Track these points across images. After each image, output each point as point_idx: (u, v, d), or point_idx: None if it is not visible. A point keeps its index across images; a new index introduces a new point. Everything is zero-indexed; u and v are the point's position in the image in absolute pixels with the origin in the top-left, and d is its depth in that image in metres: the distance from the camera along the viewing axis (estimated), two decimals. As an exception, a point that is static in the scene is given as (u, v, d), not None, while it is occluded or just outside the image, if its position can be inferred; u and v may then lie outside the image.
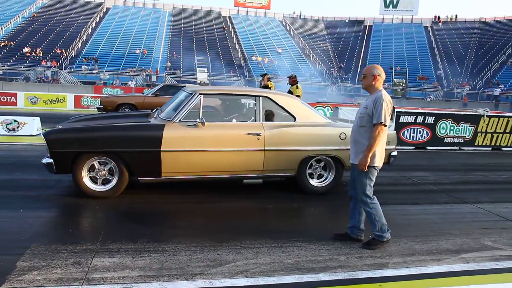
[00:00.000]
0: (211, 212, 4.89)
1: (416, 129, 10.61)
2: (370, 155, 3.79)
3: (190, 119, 5.12)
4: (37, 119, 10.41)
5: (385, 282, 3.30)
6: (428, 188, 6.59)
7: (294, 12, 58.38)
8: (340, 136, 5.60)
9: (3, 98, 20.08)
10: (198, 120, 5.07)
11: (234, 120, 5.60)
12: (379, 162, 3.91)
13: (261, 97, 5.50)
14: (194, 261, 3.48)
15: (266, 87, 10.53)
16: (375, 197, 3.98)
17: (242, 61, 41.77)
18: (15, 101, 20.19)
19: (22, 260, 3.32)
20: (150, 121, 5.35)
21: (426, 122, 10.63)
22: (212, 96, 5.87)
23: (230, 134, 5.23)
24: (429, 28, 51.86)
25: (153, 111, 6.08)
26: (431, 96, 36.06)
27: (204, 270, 3.32)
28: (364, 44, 49.48)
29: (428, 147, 10.92)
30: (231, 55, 42.35)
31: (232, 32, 48.68)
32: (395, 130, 10.34)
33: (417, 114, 10.73)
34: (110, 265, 3.33)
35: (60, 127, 5.39)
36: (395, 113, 10.36)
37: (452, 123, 10.82)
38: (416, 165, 8.81)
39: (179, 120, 5.10)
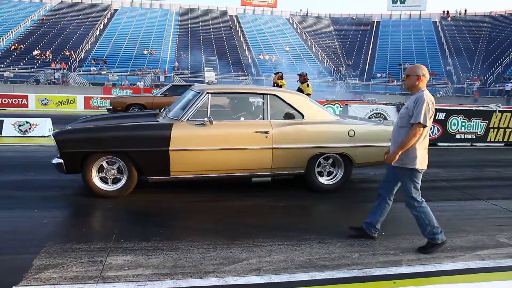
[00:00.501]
0: (223, 211, 4.90)
1: (427, 126, 10.49)
2: (400, 152, 3.71)
3: (198, 118, 5.13)
4: (49, 120, 10.51)
5: (400, 280, 3.28)
6: (441, 184, 6.54)
7: (300, 10, 58.29)
8: (348, 133, 5.57)
9: (15, 100, 20.36)
10: (206, 119, 5.08)
11: (242, 119, 5.60)
12: (420, 164, 3.79)
13: (269, 95, 5.49)
14: (207, 259, 3.49)
15: (278, 86, 10.55)
16: (424, 200, 3.88)
17: (250, 60, 41.76)
18: (26, 103, 20.43)
19: (38, 258, 3.36)
20: (158, 121, 5.37)
21: (437, 118, 10.52)
22: (220, 95, 5.86)
23: (238, 133, 5.23)
24: (437, 23, 51.37)
25: (161, 111, 6.10)
26: (441, 92, 35.77)
27: (217, 268, 3.33)
28: (372, 40, 49.18)
29: (439, 144, 10.83)
30: (238, 54, 42.34)
31: (239, 31, 48.69)
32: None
33: (427, 111, 10.58)
34: (124, 263, 3.35)
35: (69, 127, 5.44)
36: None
37: (463, 119, 10.73)
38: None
39: (187, 119, 5.11)
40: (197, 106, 5.18)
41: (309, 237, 4.07)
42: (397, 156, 3.74)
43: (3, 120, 10.26)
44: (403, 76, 4.34)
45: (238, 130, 5.27)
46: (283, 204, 5.23)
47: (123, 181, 5.05)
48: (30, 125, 10.12)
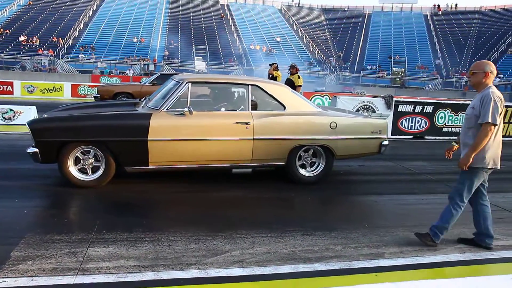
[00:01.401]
0: (207, 202, 4.87)
1: (414, 119, 10.58)
2: (472, 155, 3.54)
3: (177, 108, 5.05)
4: (33, 108, 10.33)
5: (381, 272, 3.28)
6: (426, 178, 6.57)
7: (292, 1, 57.89)
8: (330, 125, 5.54)
9: (-1, 87, 19.99)
10: (185, 109, 5.00)
11: (222, 109, 5.53)
12: (490, 163, 3.61)
13: (250, 86, 5.43)
14: (189, 251, 3.46)
15: (273, 77, 10.52)
16: (466, 203, 3.77)
17: (240, 50, 41.52)
18: (11, 90, 20.06)
19: (16, 250, 3.30)
20: (137, 110, 5.29)
21: (424, 111, 10.59)
22: (200, 85, 5.81)
23: (218, 123, 5.18)
24: (428, 17, 51.54)
25: (142, 100, 6.01)
26: (430, 86, 35.99)
27: (199, 260, 3.31)
28: (363, 32, 49.19)
29: (427, 137, 10.89)
30: (229, 44, 42.03)
31: (230, 21, 48.31)
32: (393, 119, 10.37)
33: (415, 104, 10.67)
34: (105, 254, 3.31)
35: (45, 116, 5.34)
36: (393, 102, 10.31)
37: (450, 113, 10.79)
38: (414, 154, 8.81)
39: (167, 109, 5.03)
40: (177, 96, 5.10)
41: (293, 229, 4.06)
42: (471, 159, 3.56)
43: (-14, 107, 10.06)
44: (467, 73, 4.14)
45: (218, 120, 5.22)
46: (268, 195, 5.21)
47: (100, 171, 4.96)
48: (14, 112, 9.94)
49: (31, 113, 10.06)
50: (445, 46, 44.61)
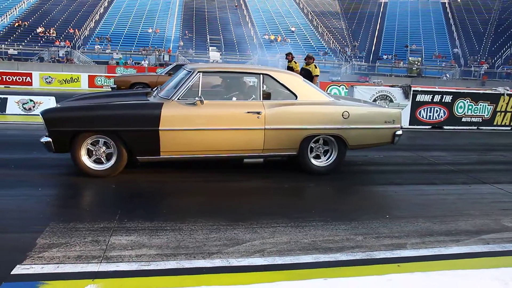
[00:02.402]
0: (226, 192, 4.88)
1: (433, 108, 10.39)
2: None
3: (189, 98, 5.04)
4: (53, 98, 10.47)
5: (404, 263, 3.26)
6: (446, 168, 6.48)
7: (307, -11, 57.20)
8: (342, 115, 5.46)
9: (19, 78, 20.29)
10: (197, 98, 4.98)
11: (234, 99, 5.49)
12: None
13: (261, 75, 5.37)
14: (210, 240, 3.48)
15: (290, 68, 10.49)
16: None
17: (255, 40, 41.29)
18: (30, 81, 20.38)
19: (41, 237, 3.36)
20: (149, 100, 5.29)
21: (443, 101, 10.39)
22: (212, 74, 5.77)
23: (229, 113, 5.14)
24: (446, 4, 50.37)
25: (153, 90, 6.02)
26: (448, 75, 35.34)
27: (221, 249, 3.32)
28: (379, 21, 48.39)
29: (445, 127, 10.72)
30: (243, 34, 41.84)
31: (245, 11, 48.00)
32: (411, 109, 10.23)
33: (434, 93, 10.48)
34: (127, 243, 3.35)
35: (58, 105, 5.37)
36: (411, 92, 10.16)
37: (470, 102, 10.58)
38: (433, 145, 8.68)
39: (178, 99, 5.02)
40: (188, 85, 5.09)
41: (313, 219, 4.05)
42: None
43: (7, 98, 10.24)
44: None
45: (230, 110, 5.18)
46: (287, 185, 5.20)
47: (112, 161, 4.99)
48: (34, 103, 10.09)
49: (50, 103, 10.20)
50: (463, 34, 43.68)
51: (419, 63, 38.20)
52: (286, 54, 11.16)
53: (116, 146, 4.93)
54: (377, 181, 5.66)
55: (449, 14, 48.27)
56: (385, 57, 40.72)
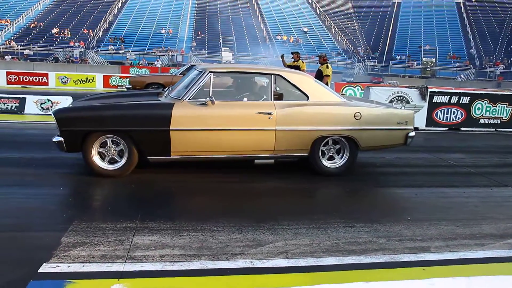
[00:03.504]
0: (245, 192, 4.87)
1: (450, 110, 10.27)
2: None
3: (200, 98, 5.03)
4: (70, 98, 10.58)
5: (429, 266, 3.22)
6: (466, 170, 6.39)
7: (320, -10, 57.02)
8: (354, 116, 5.40)
9: (35, 78, 20.55)
10: (208, 98, 4.97)
11: (245, 99, 5.47)
12: None
13: (273, 75, 5.34)
14: (233, 241, 3.48)
15: (297, 67, 10.42)
16: None
17: (267, 40, 41.29)
18: (46, 81, 20.62)
19: (66, 236, 3.39)
20: (160, 100, 5.30)
21: (460, 102, 10.26)
22: (223, 74, 5.74)
23: (240, 113, 5.12)
24: (461, 4, 49.77)
25: (164, 90, 6.02)
26: (462, 76, 34.94)
27: (244, 250, 3.32)
28: (392, 22, 48.04)
29: (463, 129, 10.57)
30: (256, 34, 41.86)
31: (257, 11, 48.03)
32: (428, 110, 10.12)
33: (451, 94, 10.35)
34: (151, 243, 3.36)
35: (70, 105, 5.40)
36: (428, 93, 10.06)
37: (488, 104, 10.44)
38: (451, 146, 8.57)
39: (189, 99, 5.01)
40: (199, 85, 5.08)
41: (334, 221, 4.02)
42: None
43: (25, 98, 10.38)
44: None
45: (241, 110, 5.15)
46: (306, 186, 5.18)
47: (122, 161, 5.00)
48: (52, 103, 10.22)
49: (67, 103, 10.30)
50: (478, 34, 43.14)
51: (433, 64, 37.82)
52: (292, 53, 11.11)
53: (127, 146, 4.94)
54: (396, 183, 5.61)
55: (464, 14, 47.72)
56: (398, 57, 40.43)
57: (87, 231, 3.51)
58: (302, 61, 10.96)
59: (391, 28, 46.89)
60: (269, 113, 5.11)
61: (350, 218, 4.11)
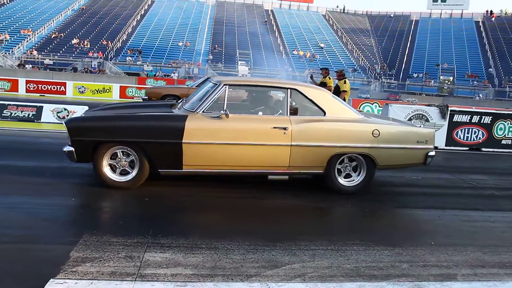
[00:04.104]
0: (261, 209, 4.73)
1: (471, 129, 10.00)
2: None
3: (214, 111, 4.92)
4: (86, 108, 10.59)
5: (456, 296, 3.02)
6: (489, 193, 6.14)
7: (337, 6, 57.37)
8: (373, 133, 5.22)
9: (53, 87, 20.87)
10: (222, 111, 4.85)
11: (260, 113, 5.34)
12: None
13: (289, 89, 5.21)
14: (248, 261, 3.32)
15: (323, 83, 10.35)
16: None
17: (284, 55, 41.45)
18: (64, 90, 20.91)
19: (75, 250, 3.27)
20: (173, 112, 5.20)
21: (482, 122, 9.99)
22: (238, 87, 5.61)
23: (255, 128, 4.98)
24: (480, 23, 49.37)
25: (178, 102, 5.93)
26: (480, 95, 34.41)
27: (259, 272, 3.16)
28: (409, 39, 47.82)
29: (484, 149, 10.26)
30: (272, 49, 42.06)
31: (274, 26, 48.41)
32: (447, 129, 9.88)
33: (472, 114, 10.09)
34: (162, 260, 3.22)
35: (83, 115, 5.33)
36: (448, 112, 9.83)
37: (511, 124, 10.14)
38: (472, 167, 8.32)
39: (203, 111, 4.90)
40: (214, 98, 4.97)
41: (353, 243, 3.85)
42: None
43: (42, 106, 10.45)
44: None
45: (255, 124, 5.02)
46: (323, 205, 5.01)
47: (133, 173, 4.89)
48: (68, 112, 10.26)
49: (83, 112, 10.33)
50: (497, 54, 42.62)
51: (450, 82, 37.40)
52: (321, 69, 11.04)
53: (138, 158, 4.83)
54: (417, 204, 5.39)
55: (483, 32, 47.28)
56: (415, 75, 40.10)
57: (97, 246, 3.39)
58: (329, 77, 10.86)
59: (408, 45, 46.69)
60: (285, 128, 4.98)
61: (370, 240, 3.93)
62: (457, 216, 4.96)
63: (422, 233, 4.32)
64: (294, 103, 5.30)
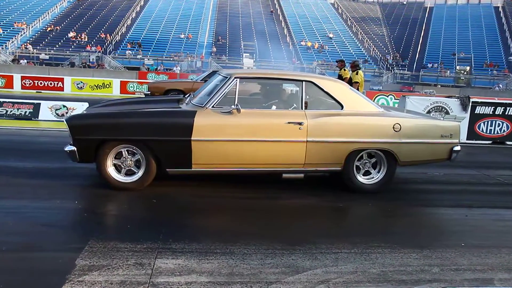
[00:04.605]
0: (276, 210, 4.49)
1: (494, 122, 9.59)
2: None
3: (224, 106, 4.67)
4: (86, 104, 10.31)
5: (496, 304, 2.77)
6: (519, 189, 5.83)
7: (346, -6, 56.33)
8: (394, 127, 4.95)
9: (51, 83, 20.35)
10: (233, 106, 4.61)
11: (273, 107, 5.10)
12: None
13: (304, 82, 4.95)
14: (267, 267, 3.10)
15: (340, 76, 10.19)
16: None
17: (291, 46, 40.86)
18: (62, 86, 20.42)
19: (81, 257, 3.06)
20: (181, 107, 4.97)
21: (506, 113, 9.56)
22: (250, 80, 5.37)
23: (269, 123, 4.75)
24: (500, 9, 47.59)
25: (186, 97, 5.69)
26: (500, 85, 33.34)
27: (280, 278, 2.94)
28: (423, 27, 46.54)
29: (508, 142, 9.81)
30: (279, 40, 41.44)
31: (280, 16, 47.63)
32: (469, 122, 9.53)
33: (496, 105, 9.67)
34: (175, 267, 3.00)
35: (85, 112, 5.10)
36: (470, 103, 9.48)
37: (537, 115, 9.71)
38: (497, 162, 7.96)
39: (212, 107, 4.66)
40: (224, 92, 4.72)
41: (378, 245, 3.60)
42: None
43: (40, 103, 10.18)
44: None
45: (269, 120, 4.79)
46: (342, 204, 4.76)
47: (139, 173, 4.67)
48: (67, 109, 9.99)
49: (83, 109, 10.07)
50: (519, 41, 41.21)
51: (465, 73, 36.48)
52: (336, 61, 10.84)
53: (145, 157, 4.61)
54: (442, 202, 5.10)
55: (503, 19, 45.47)
56: (430, 65, 39.06)
57: (104, 252, 3.17)
58: (345, 69, 10.63)
59: (422, 34, 45.42)
60: (300, 123, 4.74)
61: (395, 242, 3.69)
62: (486, 215, 4.68)
63: (450, 234, 4.08)
64: (309, 97, 5.04)
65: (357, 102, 5.13)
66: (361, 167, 5.08)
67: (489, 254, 3.54)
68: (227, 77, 4.88)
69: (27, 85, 20.21)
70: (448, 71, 36.91)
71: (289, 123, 4.73)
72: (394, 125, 4.98)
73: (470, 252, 3.57)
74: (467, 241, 3.81)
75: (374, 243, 3.64)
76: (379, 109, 5.25)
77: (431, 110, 9.42)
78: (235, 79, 4.79)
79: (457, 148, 5.22)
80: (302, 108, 4.90)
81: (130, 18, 42.18)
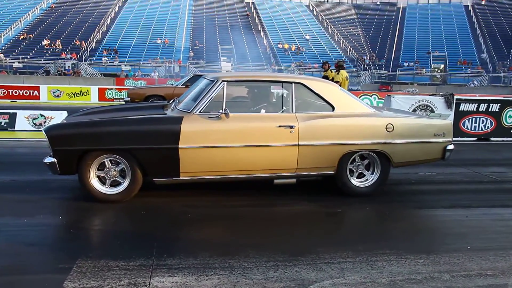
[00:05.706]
0: (272, 218, 4.29)
1: (478, 119, 9.63)
2: None
3: (212, 111, 4.47)
4: (64, 113, 9.92)
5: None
6: (513, 186, 5.76)
7: (321, -4, 56.70)
8: (386, 128, 4.84)
9: (26, 92, 19.76)
10: (221, 111, 4.41)
11: (263, 111, 4.93)
12: None
13: (293, 84, 4.80)
14: (270, 281, 2.90)
15: (325, 77, 10.18)
16: None
17: (268, 49, 40.86)
18: (38, 94, 19.83)
19: (69, 279, 2.80)
20: (166, 114, 4.74)
21: (490, 110, 9.62)
22: (237, 83, 5.19)
23: (259, 127, 4.57)
24: (470, 8, 48.70)
25: (170, 102, 5.46)
26: (475, 82, 34.10)
27: (286, 293, 2.73)
28: (397, 27, 47.26)
29: (492, 139, 9.87)
30: (256, 43, 41.34)
31: (257, 19, 47.63)
32: (454, 120, 9.52)
33: (479, 102, 9.71)
34: (172, 286, 2.77)
35: (64, 121, 4.84)
36: (454, 101, 9.48)
37: (520, 111, 9.78)
38: (486, 159, 7.92)
39: (199, 112, 4.45)
40: (211, 96, 4.51)
41: (383, 252, 3.44)
42: None
43: (16, 113, 9.75)
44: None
45: (259, 124, 4.61)
46: (340, 209, 4.59)
47: (125, 184, 4.42)
48: (45, 118, 9.58)
49: (62, 118, 9.67)
50: (489, 39, 41.90)
51: (439, 70, 37.16)
52: (322, 63, 10.87)
53: (130, 167, 4.36)
54: (440, 203, 4.97)
55: (473, 17, 46.63)
56: (406, 64, 39.68)
57: (94, 272, 2.92)
58: (331, 71, 10.63)
59: (397, 33, 46.13)
60: (291, 127, 4.56)
61: (400, 248, 3.54)
62: (486, 215, 4.57)
63: (454, 236, 3.94)
64: (299, 99, 4.88)
65: (348, 103, 5.00)
66: (354, 170, 4.95)
67: (497, 258, 3.42)
68: (213, 81, 4.67)
69: (1, 94, 19.47)
70: (424, 70, 37.54)
71: (279, 126, 4.56)
72: (387, 125, 4.86)
73: (477, 255, 3.44)
74: (472, 243, 3.69)
75: (379, 250, 3.49)
76: (371, 110, 5.13)
77: (416, 108, 9.41)
78: (223, 83, 4.58)
79: (451, 147, 5.15)
80: (292, 111, 4.73)
81: (105, 25, 41.51)
